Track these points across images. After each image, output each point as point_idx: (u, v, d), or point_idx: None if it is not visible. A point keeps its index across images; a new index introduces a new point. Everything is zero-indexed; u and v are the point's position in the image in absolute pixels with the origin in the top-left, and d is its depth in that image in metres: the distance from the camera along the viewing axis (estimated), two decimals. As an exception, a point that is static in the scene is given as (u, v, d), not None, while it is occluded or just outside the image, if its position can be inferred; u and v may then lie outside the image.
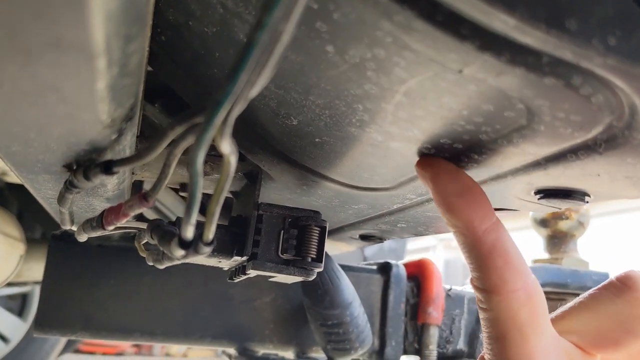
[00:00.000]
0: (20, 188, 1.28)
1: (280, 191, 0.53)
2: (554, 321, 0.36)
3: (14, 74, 0.18)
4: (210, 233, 0.27)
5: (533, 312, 0.32)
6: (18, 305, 1.79)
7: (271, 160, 0.46)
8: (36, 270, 1.34)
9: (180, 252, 0.27)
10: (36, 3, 0.15)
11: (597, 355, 0.36)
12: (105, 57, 0.17)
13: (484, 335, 0.34)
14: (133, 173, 0.46)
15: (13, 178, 1.17)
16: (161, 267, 0.37)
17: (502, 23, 0.21)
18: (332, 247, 0.82)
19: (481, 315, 0.34)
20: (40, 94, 0.20)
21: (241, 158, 0.48)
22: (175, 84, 0.46)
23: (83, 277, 0.74)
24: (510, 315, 0.32)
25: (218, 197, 0.25)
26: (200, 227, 0.28)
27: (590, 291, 0.36)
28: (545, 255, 1.01)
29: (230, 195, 0.54)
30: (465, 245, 0.33)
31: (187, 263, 0.79)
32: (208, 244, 0.28)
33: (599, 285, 0.36)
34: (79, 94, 0.20)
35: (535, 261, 1.00)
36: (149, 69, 0.44)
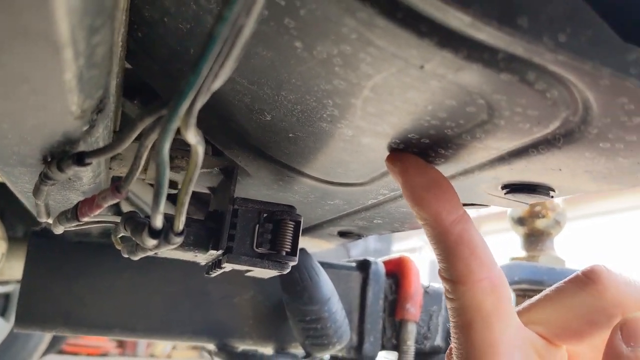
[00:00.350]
0: (1, 187, 1.28)
1: (257, 187, 0.54)
2: (520, 313, 0.37)
3: None
4: (180, 223, 0.28)
5: (497, 302, 0.34)
6: (0, 305, 1.77)
7: (247, 155, 0.47)
8: (18, 268, 1.33)
9: (151, 242, 0.27)
10: (3, -6, 0.16)
11: (562, 346, 0.37)
12: (71, 47, 0.18)
13: (451, 325, 0.35)
14: (110, 168, 0.46)
15: (-6, 176, 1.17)
16: (135, 258, 0.38)
17: (458, 20, 0.21)
18: (312, 245, 0.82)
19: (448, 305, 0.35)
20: (12, 84, 0.21)
21: (218, 154, 0.48)
22: (152, 80, 0.46)
23: (63, 273, 0.74)
24: (476, 304, 0.33)
25: (187, 187, 0.26)
26: (172, 219, 0.29)
27: (557, 284, 0.37)
28: (523, 253, 1.03)
29: (208, 191, 0.55)
30: (433, 237, 0.34)
31: (166, 259, 0.79)
32: (179, 234, 0.29)
33: (565, 279, 0.37)
34: (48, 84, 0.20)
35: (513, 259, 1.02)
36: (127, 66, 0.44)
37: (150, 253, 0.34)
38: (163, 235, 0.28)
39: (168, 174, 0.23)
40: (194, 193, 0.34)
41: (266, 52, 0.30)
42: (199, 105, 0.21)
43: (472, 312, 0.33)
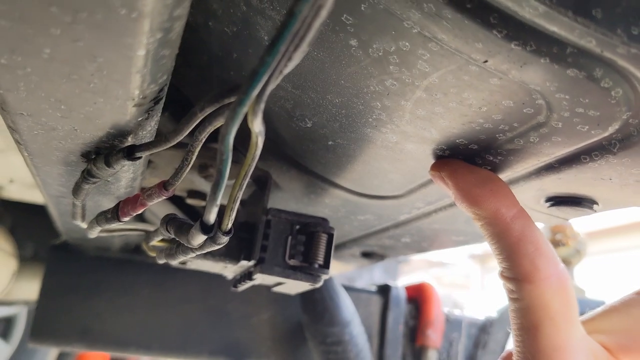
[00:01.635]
0: (14, 205, 1.27)
1: (286, 201, 0.53)
2: (583, 322, 0.35)
3: (57, 38, 0.18)
4: (229, 221, 0.27)
5: (565, 302, 0.32)
6: (3, 328, 1.75)
7: (281, 166, 0.46)
8: (26, 289, 1.31)
9: (200, 238, 0.27)
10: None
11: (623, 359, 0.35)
12: (151, 19, 0.17)
13: (513, 328, 0.33)
14: (143, 177, 0.46)
15: (8, 193, 1.16)
16: (174, 262, 0.37)
17: (532, 9, 0.21)
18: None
19: (511, 307, 0.33)
20: (79, 62, 0.20)
21: (251, 164, 0.48)
22: (187, 88, 0.46)
23: (81, 288, 0.73)
24: (543, 303, 0.31)
25: (241, 181, 0.25)
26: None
27: (622, 296, 0.36)
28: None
29: (236, 204, 0.54)
30: (494, 235, 0.33)
31: (185, 277, 0.78)
32: (226, 233, 0.28)
33: (632, 291, 0.36)
34: (117, 63, 0.20)
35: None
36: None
37: (191, 255, 0.33)
38: (213, 231, 0.27)
39: (230, 163, 0.22)
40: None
41: (317, 52, 0.30)
42: (270, 88, 0.20)
43: (539, 312, 0.31)
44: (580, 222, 1.04)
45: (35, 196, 1.11)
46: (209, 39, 0.36)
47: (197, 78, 0.43)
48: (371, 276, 2.86)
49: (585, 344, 0.32)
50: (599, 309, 0.36)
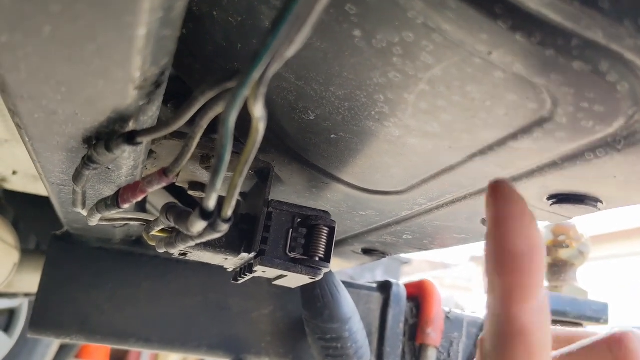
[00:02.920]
0: (17, 196, 1.27)
1: (288, 195, 0.53)
2: None
3: (57, 16, 0.18)
4: (229, 208, 0.27)
5: None
6: (4, 320, 1.75)
7: (283, 159, 0.46)
8: (28, 281, 1.32)
9: (200, 225, 0.26)
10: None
11: None
12: None
13: None
14: (145, 167, 0.46)
15: (11, 185, 1.17)
16: (173, 251, 0.37)
17: None
18: (332, 264, 0.81)
19: None
20: (79, 42, 0.20)
21: (253, 156, 0.48)
22: (191, 80, 0.46)
23: (81, 278, 0.73)
24: None
25: (242, 169, 0.25)
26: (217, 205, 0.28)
27: (585, 342, 0.36)
28: (545, 283, 1.00)
29: (238, 197, 0.54)
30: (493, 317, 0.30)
31: (186, 270, 0.77)
32: (226, 221, 0.28)
33: (594, 338, 0.36)
34: (117, 43, 0.20)
35: (535, 289, 0.99)
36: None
37: (190, 244, 0.33)
38: (213, 218, 0.27)
39: (231, 148, 0.22)
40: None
41: (320, 42, 0.30)
42: (272, 71, 0.20)
43: None
44: (588, 226, 1.03)
45: (38, 188, 1.11)
46: (213, 29, 0.36)
47: (202, 69, 0.43)
48: (373, 276, 2.86)
49: None
50: (564, 351, 0.35)
